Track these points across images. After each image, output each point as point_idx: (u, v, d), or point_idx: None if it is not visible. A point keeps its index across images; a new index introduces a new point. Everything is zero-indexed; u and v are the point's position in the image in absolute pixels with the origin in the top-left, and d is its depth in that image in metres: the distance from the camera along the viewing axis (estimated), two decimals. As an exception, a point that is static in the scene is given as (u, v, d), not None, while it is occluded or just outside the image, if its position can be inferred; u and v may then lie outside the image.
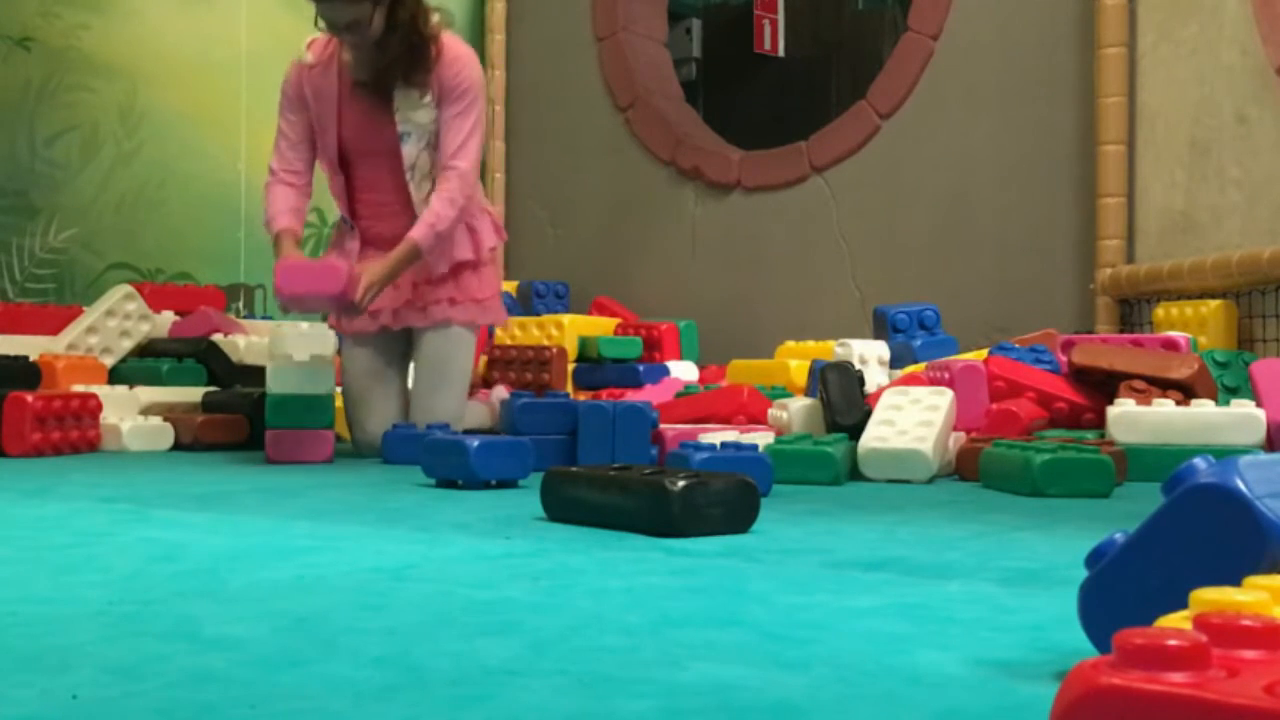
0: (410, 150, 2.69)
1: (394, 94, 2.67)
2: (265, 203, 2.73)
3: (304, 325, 2.62)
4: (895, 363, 3.08)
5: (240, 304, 4.19)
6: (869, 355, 3.02)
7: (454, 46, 2.69)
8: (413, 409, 2.75)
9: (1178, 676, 0.41)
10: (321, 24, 2.58)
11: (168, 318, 3.54)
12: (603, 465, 1.66)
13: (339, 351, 2.76)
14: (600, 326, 3.80)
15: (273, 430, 2.52)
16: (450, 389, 2.73)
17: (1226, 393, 2.63)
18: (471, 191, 2.70)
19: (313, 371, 2.54)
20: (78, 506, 1.66)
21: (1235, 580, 0.56)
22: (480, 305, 2.79)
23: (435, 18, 2.68)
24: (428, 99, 2.67)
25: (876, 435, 2.16)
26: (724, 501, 1.40)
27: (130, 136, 3.98)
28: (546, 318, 3.76)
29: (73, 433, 2.72)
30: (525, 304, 4.25)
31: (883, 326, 3.29)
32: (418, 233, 2.61)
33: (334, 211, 4.46)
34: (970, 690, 0.69)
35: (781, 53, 5.77)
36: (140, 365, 3.28)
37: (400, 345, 2.83)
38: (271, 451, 2.50)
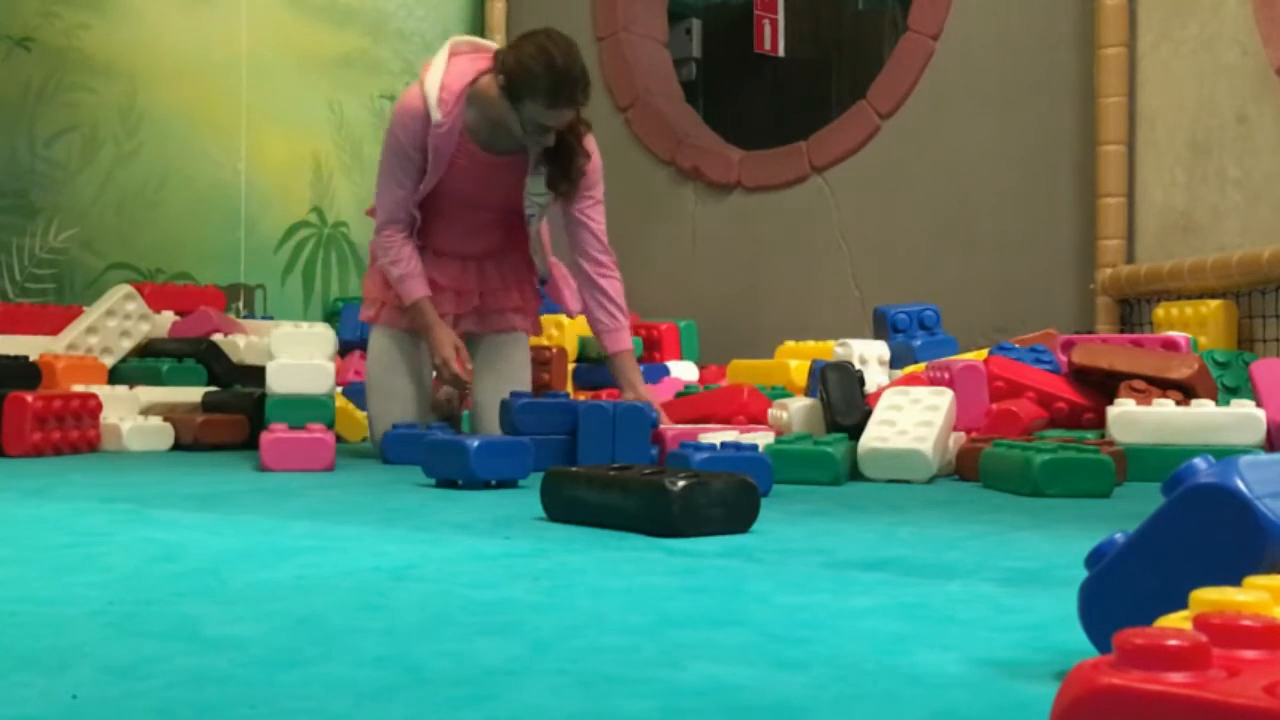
0: (533, 229, 2.75)
1: (526, 178, 2.68)
2: (393, 262, 2.68)
3: (304, 325, 2.62)
4: (895, 363, 3.08)
5: (240, 304, 4.20)
6: (869, 355, 3.02)
7: (591, 140, 2.74)
8: (478, 413, 2.75)
9: (1178, 676, 0.41)
10: (527, 123, 2.54)
11: (168, 318, 3.55)
12: (603, 465, 1.66)
13: (340, 353, 2.76)
14: (600, 326, 3.80)
15: (269, 435, 2.37)
16: (520, 387, 2.75)
17: (1226, 393, 2.63)
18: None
19: (313, 371, 2.52)
20: (78, 506, 1.66)
21: (1235, 580, 0.56)
22: (534, 316, 2.90)
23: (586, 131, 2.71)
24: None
25: (876, 435, 2.16)
26: (724, 501, 1.39)
27: (130, 136, 3.98)
28: (546, 318, 3.76)
29: (73, 433, 2.72)
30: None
31: (883, 326, 3.29)
32: (627, 341, 2.74)
33: (334, 212, 4.50)
34: (970, 690, 0.69)
35: (781, 53, 5.77)
36: (140, 365, 3.28)
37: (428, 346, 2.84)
38: (267, 458, 2.32)
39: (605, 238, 2.78)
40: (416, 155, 2.64)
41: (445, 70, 2.62)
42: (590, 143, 2.73)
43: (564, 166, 2.66)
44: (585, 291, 2.75)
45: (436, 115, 2.59)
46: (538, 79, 2.48)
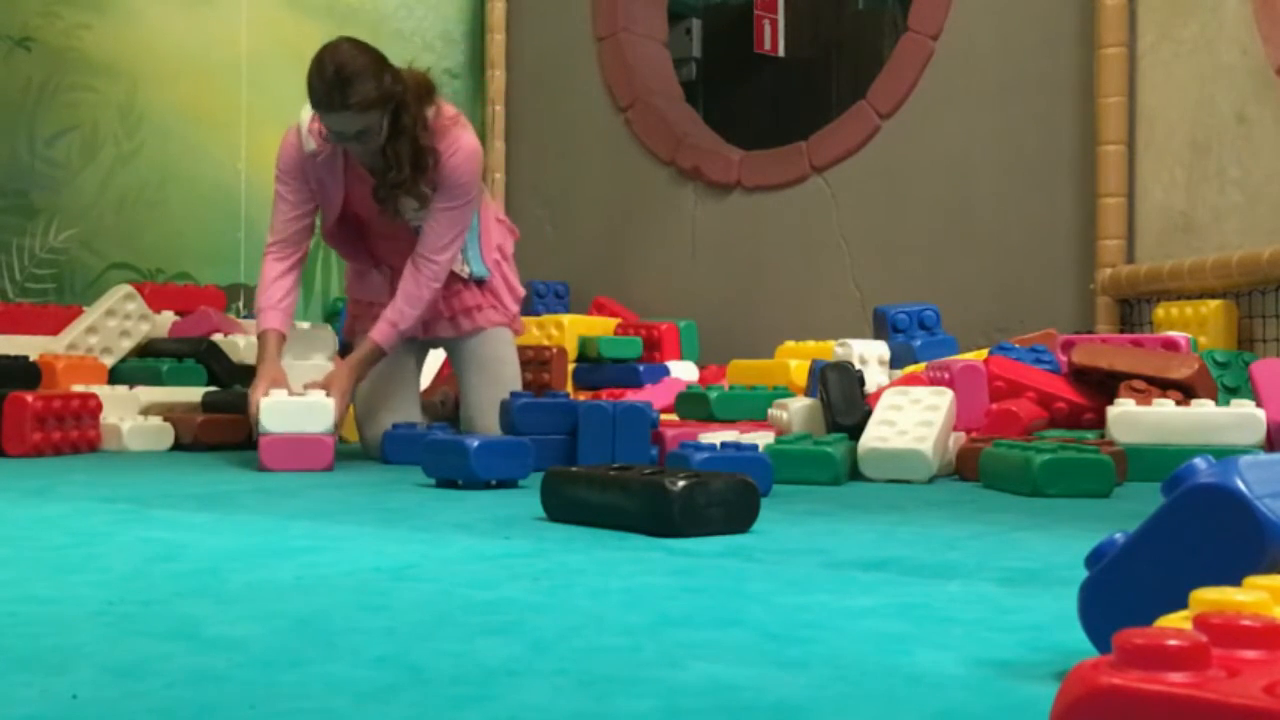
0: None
1: (399, 205, 2.62)
2: (260, 280, 2.64)
3: (305, 325, 2.62)
4: (895, 363, 3.08)
5: (240, 304, 4.19)
6: (869, 355, 3.02)
7: (459, 146, 2.61)
8: (471, 415, 2.74)
9: (1178, 676, 0.41)
10: (328, 133, 2.51)
11: (168, 318, 3.55)
12: (603, 465, 1.66)
13: (340, 353, 2.76)
14: (600, 326, 3.80)
15: (267, 436, 2.35)
16: (508, 389, 2.67)
17: (1226, 393, 2.63)
18: (442, 283, 2.65)
19: (313, 371, 2.52)
20: (78, 506, 1.66)
21: (1235, 580, 0.56)
22: (508, 308, 2.83)
23: (432, 111, 2.58)
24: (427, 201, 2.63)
25: (876, 435, 2.16)
26: (724, 501, 1.40)
27: (130, 136, 3.98)
28: (546, 318, 3.76)
29: (73, 433, 2.72)
30: (525, 304, 4.25)
31: (883, 326, 3.29)
32: (380, 334, 2.59)
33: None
34: (970, 690, 0.69)
35: (781, 53, 5.77)
36: (140, 365, 3.28)
37: (415, 350, 2.84)
38: (266, 459, 2.34)
39: (445, 250, 2.62)
40: (297, 183, 2.63)
41: None
42: (457, 138, 2.60)
43: (415, 172, 2.57)
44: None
45: (310, 145, 2.60)
46: (311, 90, 2.46)
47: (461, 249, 2.71)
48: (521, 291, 2.93)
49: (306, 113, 2.60)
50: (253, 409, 2.41)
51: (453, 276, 2.75)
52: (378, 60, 2.49)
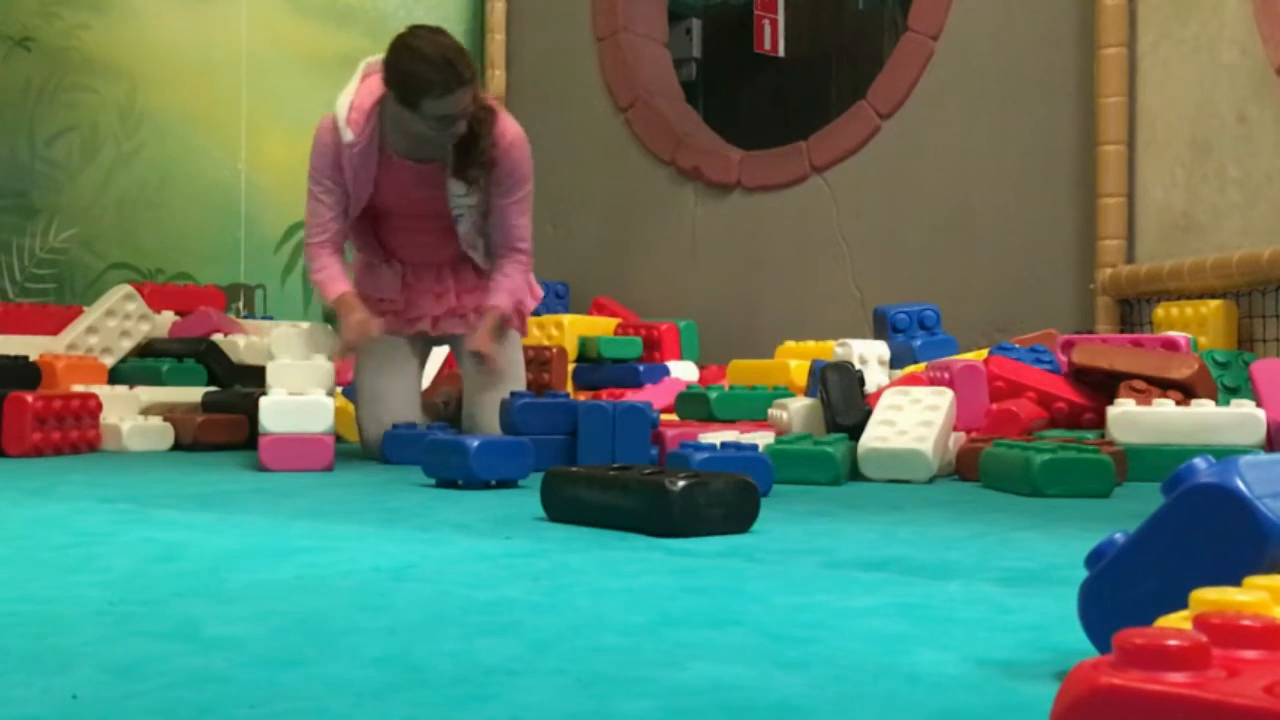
0: (465, 229, 2.72)
1: (446, 182, 2.67)
2: (313, 270, 2.70)
3: (304, 325, 2.62)
4: (895, 363, 3.08)
5: (240, 304, 4.19)
6: (869, 355, 3.02)
7: (508, 132, 2.69)
8: (474, 414, 2.74)
9: (1178, 676, 0.41)
10: (437, 122, 2.53)
11: (168, 318, 3.55)
12: (603, 465, 1.66)
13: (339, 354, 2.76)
14: (600, 326, 3.80)
15: (267, 436, 2.34)
16: (514, 386, 2.72)
17: (1226, 393, 2.63)
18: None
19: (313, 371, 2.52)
20: (78, 506, 1.66)
21: (1235, 580, 0.56)
22: (519, 316, 2.86)
23: (489, 103, 2.67)
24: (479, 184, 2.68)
25: (876, 435, 2.15)
26: (724, 501, 1.39)
27: (130, 136, 3.98)
28: (546, 318, 3.76)
29: (73, 433, 2.72)
30: (525, 304, 4.25)
31: (883, 326, 3.29)
32: (502, 300, 2.71)
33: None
34: (970, 690, 0.69)
35: (781, 53, 5.77)
36: (140, 365, 3.28)
37: (419, 349, 2.84)
38: (266, 459, 2.32)
39: (525, 232, 2.75)
40: (334, 174, 2.65)
41: (355, 91, 2.64)
42: (508, 129, 2.69)
43: (469, 153, 2.64)
44: (494, 269, 2.74)
45: (348, 135, 2.61)
46: (421, 77, 2.49)
47: (479, 240, 2.76)
48: (540, 293, 2.96)
49: (343, 104, 2.62)
50: (356, 329, 2.57)
51: (476, 273, 2.79)
52: (454, 38, 2.57)
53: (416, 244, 2.77)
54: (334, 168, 2.65)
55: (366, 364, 2.77)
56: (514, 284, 2.74)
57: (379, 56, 2.71)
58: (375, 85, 2.63)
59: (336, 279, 2.68)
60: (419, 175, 2.69)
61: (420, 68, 2.49)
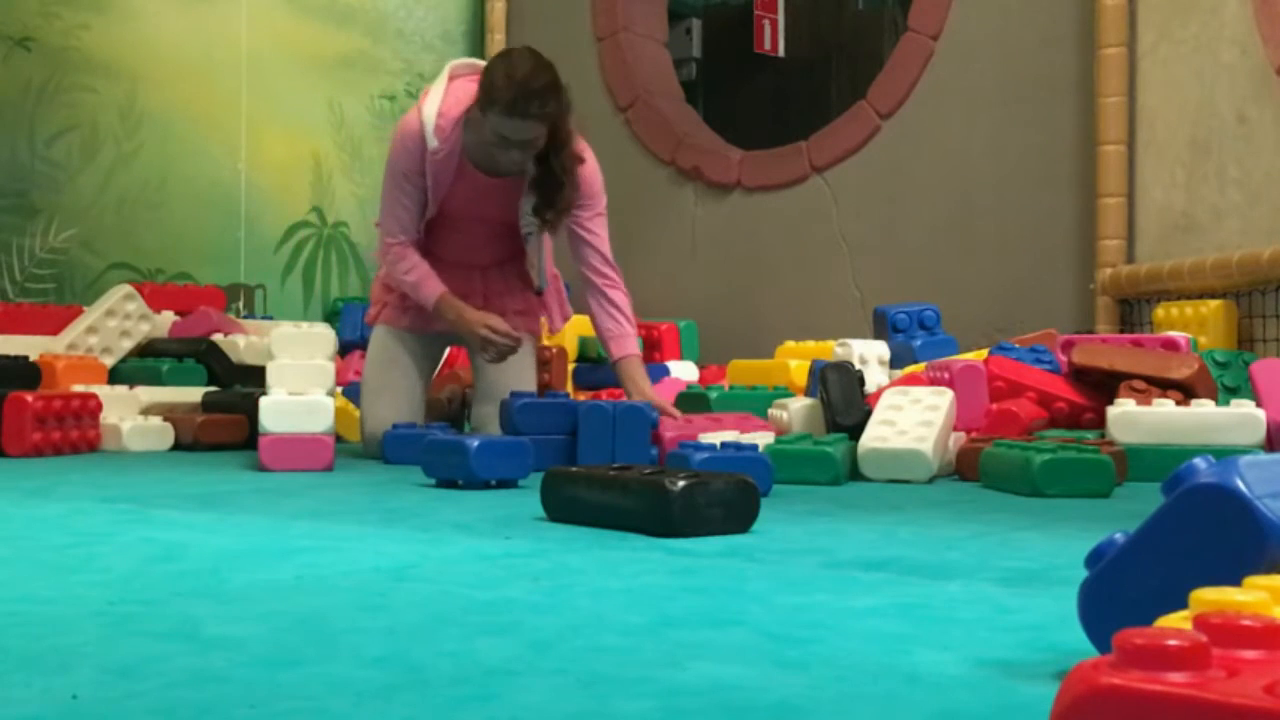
0: (531, 248, 2.76)
1: (522, 199, 2.70)
2: (404, 271, 2.69)
3: (304, 325, 2.62)
4: (895, 363, 3.08)
5: (240, 304, 4.20)
6: (869, 355, 3.02)
7: (583, 151, 2.72)
8: (484, 414, 2.74)
9: (1178, 676, 0.41)
10: (496, 136, 2.55)
11: (168, 318, 3.55)
12: (603, 465, 1.66)
13: (340, 353, 2.76)
14: (600, 326, 3.80)
15: (267, 435, 2.33)
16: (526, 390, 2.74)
17: (1226, 393, 2.63)
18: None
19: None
20: (78, 506, 1.66)
21: (1235, 580, 0.56)
22: (537, 320, 2.91)
23: (579, 149, 2.69)
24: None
25: (876, 435, 2.15)
26: (724, 501, 1.39)
27: (130, 136, 3.98)
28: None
29: (73, 433, 2.72)
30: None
31: (883, 326, 3.29)
32: (633, 348, 2.73)
33: (334, 212, 4.50)
34: (970, 690, 0.69)
35: (781, 53, 5.77)
36: (140, 365, 3.28)
37: (433, 348, 2.84)
38: (266, 459, 2.32)
39: (608, 251, 2.78)
40: (417, 178, 2.66)
41: (444, 96, 2.64)
42: (588, 160, 2.73)
43: (550, 196, 2.67)
44: (592, 299, 2.75)
45: (434, 143, 2.61)
46: (497, 89, 2.50)
47: (540, 259, 2.79)
48: (570, 313, 2.99)
49: (431, 109, 2.62)
50: (490, 328, 2.58)
51: (504, 280, 2.82)
52: (558, 76, 2.57)
53: (458, 244, 2.78)
54: (417, 171, 2.66)
55: (375, 357, 2.77)
56: (630, 317, 2.75)
57: (464, 60, 2.76)
58: (461, 91, 2.64)
59: (430, 279, 2.68)
60: (491, 188, 2.70)
61: (502, 81, 2.50)
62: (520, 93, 2.48)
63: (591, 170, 2.74)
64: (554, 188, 2.66)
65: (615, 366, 2.73)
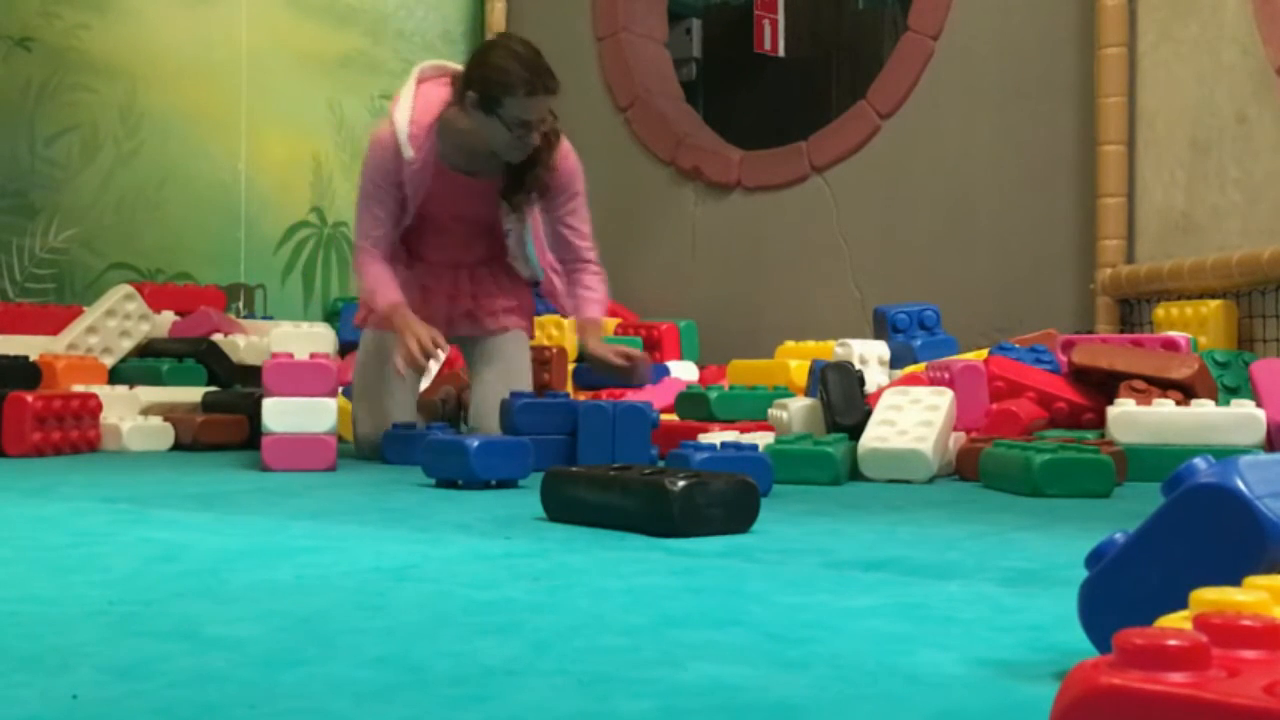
0: (513, 243, 2.78)
1: (499, 197, 2.71)
2: (364, 277, 2.69)
3: (304, 325, 2.62)
4: (895, 363, 3.08)
5: (240, 304, 4.19)
6: (869, 355, 3.01)
7: (566, 157, 2.73)
8: (481, 413, 2.74)
9: (1178, 676, 0.41)
10: (512, 124, 2.54)
11: (168, 318, 3.55)
12: (603, 465, 1.66)
13: (340, 353, 2.76)
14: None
15: (269, 435, 2.32)
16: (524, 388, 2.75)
17: (1226, 393, 2.63)
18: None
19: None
20: (78, 506, 1.66)
21: (1235, 580, 0.56)
22: (530, 316, 2.92)
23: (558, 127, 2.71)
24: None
25: (876, 435, 2.15)
26: (724, 501, 1.39)
27: (130, 136, 3.98)
28: (546, 318, 3.76)
29: (73, 433, 2.72)
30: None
31: (883, 326, 3.29)
32: (596, 312, 2.78)
33: (334, 212, 4.49)
34: (970, 690, 0.69)
35: (781, 53, 5.77)
36: (140, 365, 3.28)
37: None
38: (268, 458, 2.32)
39: (588, 242, 2.80)
40: (391, 188, 2.66)
41: (414, 103, 2.64)
42: (564, 148, 2.73)
43: (519, 178, 2.68)
44: (568, 283, 2.80)
45: (409, 153, 2.61)
46: (511, 74, 2.51)
47: (525, 251, 2.80)
48: (534, 306, 3.00)
49: (403, 118, 2.62)
50: (420, 347, 2.51)
51: (494, 279, 2.82)
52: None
53: (442, 245, 2.79)
54: (393, 183, 2.66)
55: (364, 362, 2.77)
56: (601, 295, 2.79)
57: (432, 62, 2.75)
58: (433, 97, 2.64)
59: (388, 287, 2.66)
60: (471, 189, 2.71)
61: (513, 65, 2.51)
62: (534, 71, 2.52)
63: (572, 166, 2.75)
64: (524, 167, 2.66)
65: (577, 321, 2.79)
